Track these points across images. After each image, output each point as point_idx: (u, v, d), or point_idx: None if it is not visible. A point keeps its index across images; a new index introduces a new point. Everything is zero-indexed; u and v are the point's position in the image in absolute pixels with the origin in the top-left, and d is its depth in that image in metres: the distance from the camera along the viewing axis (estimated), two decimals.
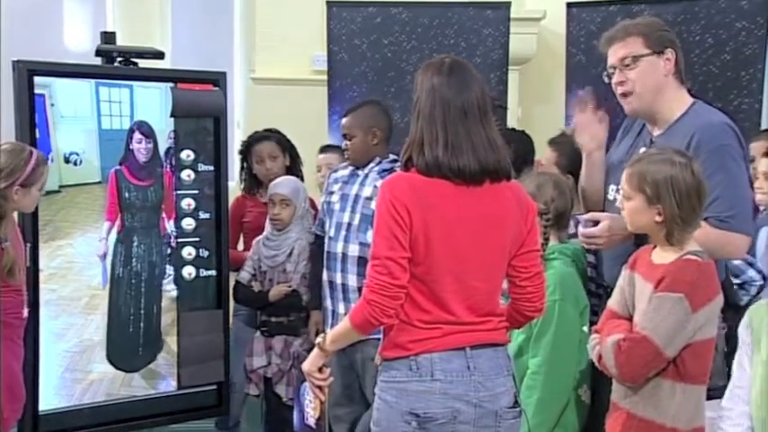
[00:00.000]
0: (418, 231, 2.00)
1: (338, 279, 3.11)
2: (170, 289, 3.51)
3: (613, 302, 2.28)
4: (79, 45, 4.88)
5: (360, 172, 3.18)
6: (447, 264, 2.03)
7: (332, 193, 3.23)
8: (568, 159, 2.98)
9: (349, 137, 3.16)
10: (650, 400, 2.14)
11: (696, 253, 2.13)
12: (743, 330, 2.16)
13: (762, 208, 3.34)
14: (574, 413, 2.59)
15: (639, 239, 2.33)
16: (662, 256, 2.17)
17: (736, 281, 2.80)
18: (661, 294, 2.09)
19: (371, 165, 3.15)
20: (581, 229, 2.47)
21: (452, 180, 2.03)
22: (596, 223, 2.43)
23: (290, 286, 3.47)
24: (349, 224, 3.10)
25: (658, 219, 2.13)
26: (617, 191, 2.48)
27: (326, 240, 3.20)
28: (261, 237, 3.60)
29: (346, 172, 3.23)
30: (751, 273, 2.97)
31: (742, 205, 2.35)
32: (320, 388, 2.19)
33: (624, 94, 2.51)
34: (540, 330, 2.52)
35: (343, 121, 3.20)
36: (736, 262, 2.77)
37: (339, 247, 3.11)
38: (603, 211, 2.56)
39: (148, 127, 3.44)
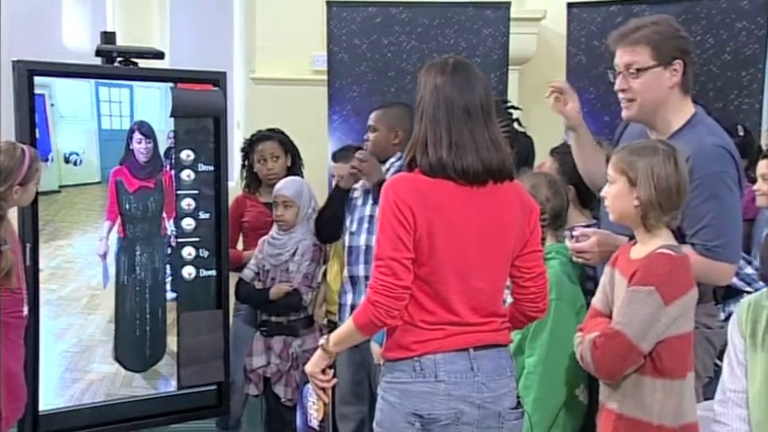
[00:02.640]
0: (422, 232, 2.00)
1: (361, 272, 3.18)
2: (169, 290, 3.51)
3: (596, 301, 2.29)
4: (79, 45, 4.87)
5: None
6: (451, 264, 2.03)
7: (354, 189, 3.31)
8: (570, 169, 2.95)
9: (373, 129, 3.31)
10: (634, 398, 2.14)
11: (670, 247, 2.14)
12: (733, 329, 2.11)
13: None
14: (571, 413, 2.58)
15: None
16: (639, 250, 2.18)
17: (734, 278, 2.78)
18: (633, 288, 2.11)
19: (392, 159, 3.26)
20: (569, 244, 2.49)
21: (456, 180, 2.03)
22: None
23: (291, 286, 3.47)
24: (371, 216, 3.17)
25: (636, 203, 2.14)
26: None
27: (347, 237, 3.26)
28: (267, 236, 3.60)
29: None
30: (748, 270, 2.98)
31: (730, 234, 2.33)
32: (323, 390, 2.18)
33: (625, 100, 2.47)
34: (536, 329, 2.52)
35: (372, 114, 3.35)
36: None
37: (362, 240, 3.20)
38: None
39: (148, 127, 3.43)
